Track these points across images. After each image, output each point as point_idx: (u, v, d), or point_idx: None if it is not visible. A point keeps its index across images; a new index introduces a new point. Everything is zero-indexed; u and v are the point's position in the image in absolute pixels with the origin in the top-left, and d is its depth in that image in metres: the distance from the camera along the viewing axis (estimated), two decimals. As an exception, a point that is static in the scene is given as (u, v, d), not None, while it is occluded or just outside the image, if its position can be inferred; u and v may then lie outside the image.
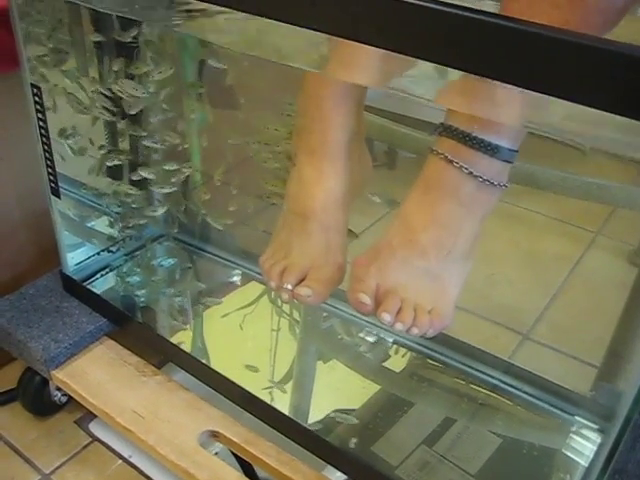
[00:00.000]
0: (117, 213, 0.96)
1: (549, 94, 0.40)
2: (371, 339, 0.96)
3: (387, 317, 0.59)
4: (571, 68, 0.38)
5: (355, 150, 0.68)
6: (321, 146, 0.65)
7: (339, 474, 0.77)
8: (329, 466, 0.77)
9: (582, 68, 0.38)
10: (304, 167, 0.67)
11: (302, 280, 0.66)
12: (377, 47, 0.45)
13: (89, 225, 0.98)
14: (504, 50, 0.40)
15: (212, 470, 0.76)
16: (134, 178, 0.91)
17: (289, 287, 0.65)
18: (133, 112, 0.84)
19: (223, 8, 0.54)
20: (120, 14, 0.78)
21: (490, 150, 0.56)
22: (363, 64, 0.52)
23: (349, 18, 0.46)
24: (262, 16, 0.50)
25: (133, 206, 0.94)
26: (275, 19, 0.50)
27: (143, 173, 0.88)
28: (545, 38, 0.39)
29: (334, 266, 0.67)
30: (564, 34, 0.38)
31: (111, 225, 0.97)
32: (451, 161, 0.57)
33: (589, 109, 0.39)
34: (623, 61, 0.37)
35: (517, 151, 0.58)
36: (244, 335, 0.97)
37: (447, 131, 0.58)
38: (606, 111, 0.38)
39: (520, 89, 0.41)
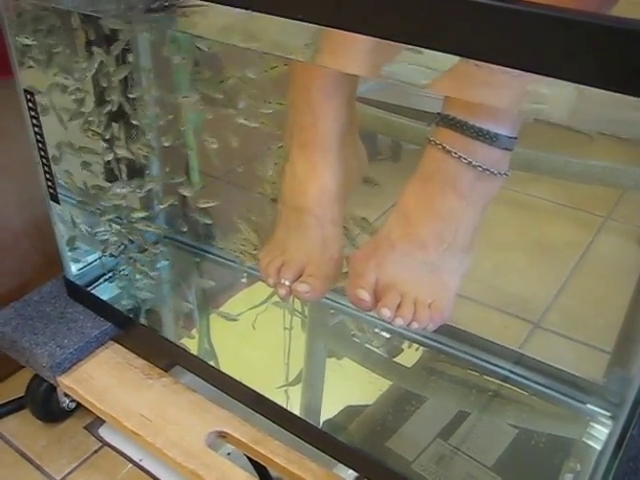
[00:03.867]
0: (118, 217, 0.96)
1: (543, 74, 0.39)
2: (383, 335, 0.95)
3: (387, 312, 0.58)
4: (564, 45, 0.37)
5: (349, 142, 0.67)
6: (313, 140, 0.65)
7: (350, 471, 0.77)
8: (339, 464, 0.77)
9: (576, 45, 0.37)
10: (297, 162, 0.66)
11: (300, 276, 0.65)
12: (362, 34, 0.44)
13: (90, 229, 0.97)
14: (493, 31, 0.39)
15: (220, 471, 0.75)
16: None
17: (287, 283, 0.65)
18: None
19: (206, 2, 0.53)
20: (110, 17, 0.77)
21: (489, 138, 0.55)
22: (354, 52, 0.51)
23: (333, 6, 0.45)
24: (245, 9, 0.50)
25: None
26: (259, 11, 0.49)
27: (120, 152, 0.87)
28: (533, 15, 0.38)
29: (331, 261, 0.66)
30: (552, 11, 0.37)
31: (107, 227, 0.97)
32: (449, 151, 0.56)
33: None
34: (621, 36, 0.35)
35: (516, 138, 0.57)
36: (252, 335, 0.96)
37: (444, 121, 0.57)
38: (601, 88, 0.37)
39: (515, 71, 0.40)
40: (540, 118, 0.46)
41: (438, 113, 0.57)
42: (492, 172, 0.57)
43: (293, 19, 0.47)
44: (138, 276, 1.00)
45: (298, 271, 0.65)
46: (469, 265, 0.62)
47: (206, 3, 0.54)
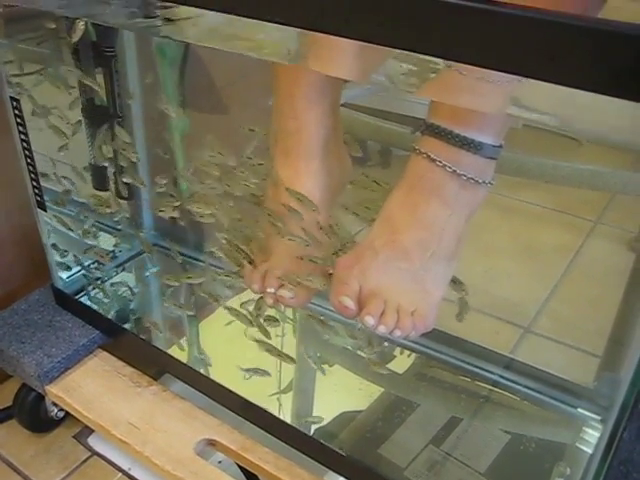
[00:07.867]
0: (106, 225, 0.95)
1: (527, 77, 0.39)
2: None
3: (370, 320, 0.58)
4: (548, 48, 0.37)
5: (333, 149, 0.67)
6: (296, 146, 0.65)
7: (341, 479, 0.76)
8: (330, 471, 0.76)
9: (560, 47, 0.37)
10: (281, 168, 0.66)
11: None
12: (345, 38, 0.44)
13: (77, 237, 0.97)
14: (476, 33, 0.39)
15: (209, 479, 0.75)
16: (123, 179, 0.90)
17: (271, 291, 0.64)
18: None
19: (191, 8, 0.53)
20: (94, 21, 0.77)
21: (473, 147, 0.55)
22: (341, 56, 0.51)
23: (315, 9, 0.44)
24: (228, 13, 0.49)
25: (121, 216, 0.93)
26: (242, 15, 0.49)
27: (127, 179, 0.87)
28: (517, 18, 0.37)
29: (316, 268, 0.66)
30: (536, 13, 0.37)
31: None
32: (434, 160, 0.56)
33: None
34: (604, 39, 0.35)
35: (501, 147, 0.57)
36: (241, 343, 0.96)
37: (429, 129, 0.57)
38: (586, 90, 0.37)
39: (499, 74, 0.40)
40: (529, 124, 0.46)
41: (423, 121, 0.57)
42: (476, 181, 0.57)
43: (272, 22, 0.47)
44: (127, 284, 1.00)
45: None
46: (453, 273, 0.62)
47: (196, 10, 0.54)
